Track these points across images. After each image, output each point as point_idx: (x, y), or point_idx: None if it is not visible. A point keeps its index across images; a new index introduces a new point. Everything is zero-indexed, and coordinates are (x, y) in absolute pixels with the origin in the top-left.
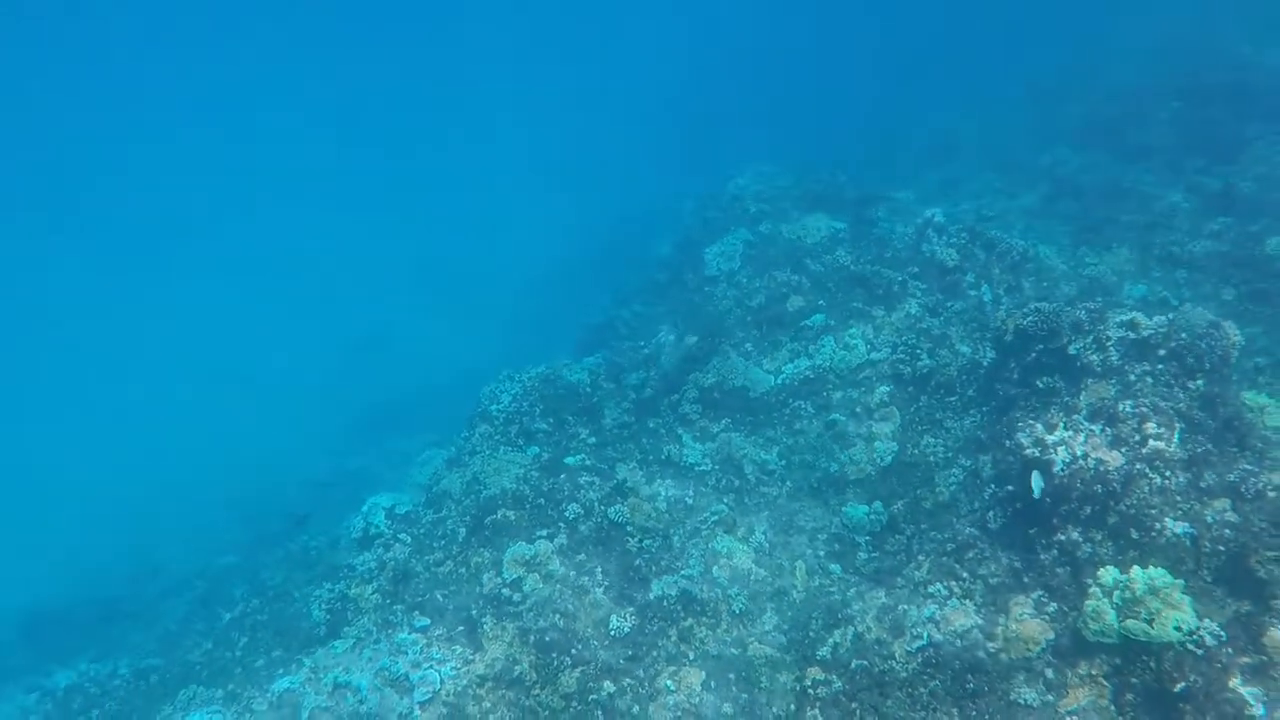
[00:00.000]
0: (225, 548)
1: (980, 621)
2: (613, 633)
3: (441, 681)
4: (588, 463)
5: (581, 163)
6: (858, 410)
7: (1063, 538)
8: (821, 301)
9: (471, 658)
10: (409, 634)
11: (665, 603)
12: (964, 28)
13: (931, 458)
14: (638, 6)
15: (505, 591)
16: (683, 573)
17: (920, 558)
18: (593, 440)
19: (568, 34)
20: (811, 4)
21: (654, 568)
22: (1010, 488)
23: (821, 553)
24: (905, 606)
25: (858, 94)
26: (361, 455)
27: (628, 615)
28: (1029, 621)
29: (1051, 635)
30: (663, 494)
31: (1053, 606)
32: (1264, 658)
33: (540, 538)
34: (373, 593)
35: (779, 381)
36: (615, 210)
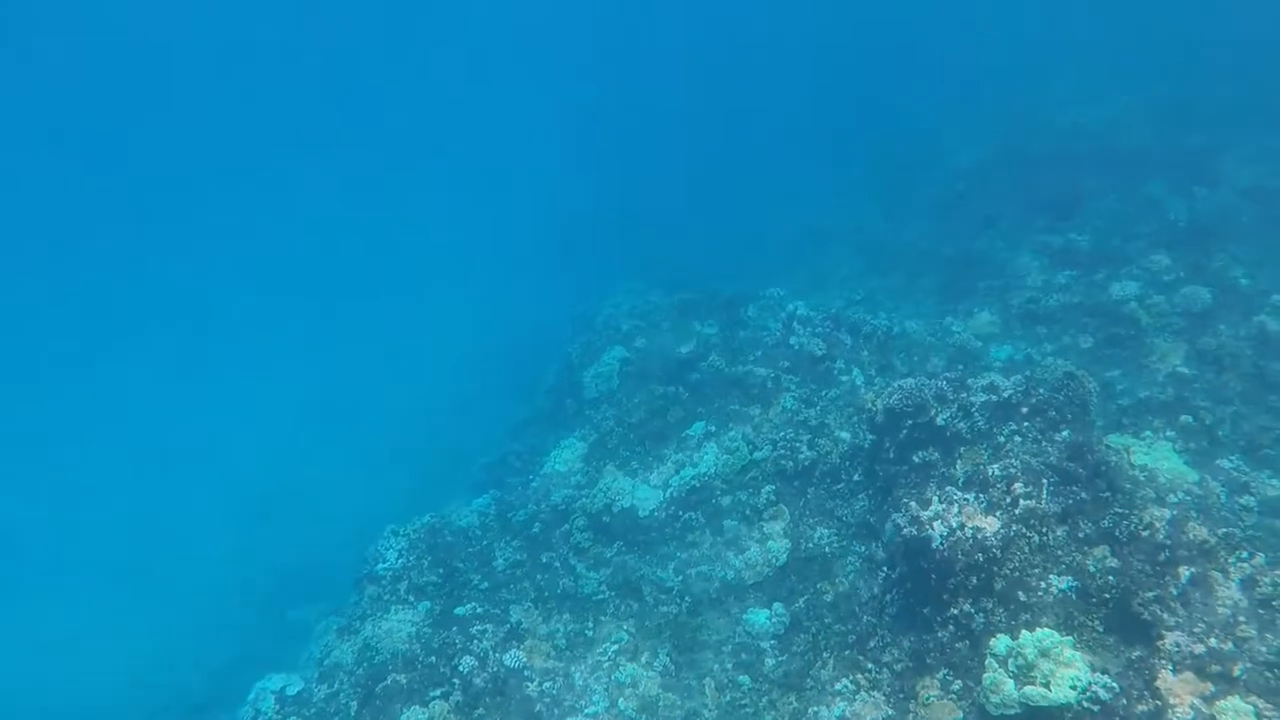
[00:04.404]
0: None
1: (891, 712)
2: None
3: None
4: (479, 610)
5: (476, 285)
6: (747, 513)
7: (956, 611)
8: (700, 409)
9: None
10: None
11: None
12: (816, 121)
13: (827, 549)
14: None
15: None
16: (587, 711)
17: (825, 654)
18: (485, 585)
19: (450, 142)
20: (668, 112)
21: (556, 710)
22: (901, 569)
23: (729, 665)
24: (816, 708)
25: (725, 198)
26: (260, 633)
27: None
28: (936, 704)
29: (960, 715)
30: (561, 630)
31: (958, 684)
32: (1159, 702)
33: (434, 699)
34: None
35: (667, 495)
36: (514, 334)
